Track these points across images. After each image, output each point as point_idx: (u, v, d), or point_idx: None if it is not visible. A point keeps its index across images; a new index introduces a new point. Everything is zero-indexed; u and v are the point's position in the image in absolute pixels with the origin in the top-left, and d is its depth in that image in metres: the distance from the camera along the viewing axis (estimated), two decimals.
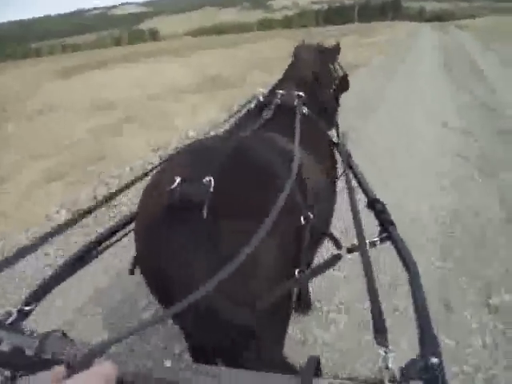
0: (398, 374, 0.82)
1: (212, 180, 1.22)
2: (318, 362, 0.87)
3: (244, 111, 2.36)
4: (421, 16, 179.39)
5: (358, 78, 12.02)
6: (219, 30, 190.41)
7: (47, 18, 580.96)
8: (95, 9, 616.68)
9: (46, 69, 25.70)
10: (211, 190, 1.21)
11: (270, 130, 1.89)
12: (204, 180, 1.23)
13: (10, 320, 1.12)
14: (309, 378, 0.79)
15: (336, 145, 2.47)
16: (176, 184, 1.23)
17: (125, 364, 0.86)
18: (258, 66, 16.11)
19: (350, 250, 1.53)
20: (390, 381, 0.80)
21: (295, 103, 2.21)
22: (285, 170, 1.42)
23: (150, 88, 13.23)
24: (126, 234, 1.73)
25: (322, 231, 1.67)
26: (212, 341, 1.37)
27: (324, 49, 3.02)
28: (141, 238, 1.40)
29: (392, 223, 1.62)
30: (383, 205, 1.77)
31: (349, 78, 3.07)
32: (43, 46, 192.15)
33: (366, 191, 1.96)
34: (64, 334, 1.01)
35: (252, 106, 2.34)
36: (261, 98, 2.35)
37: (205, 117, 8.67)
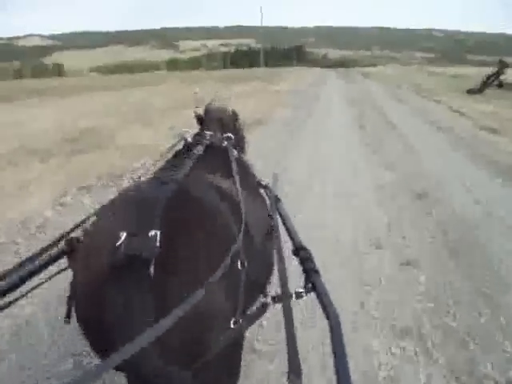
0: None
1: (158, 234, 1.18)
2: None
3: (171, 152, 2.34)
4: (324, 62, 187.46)
5: (255, 143, 9.72)
6: (128, 67, 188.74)
7: None
8: None
9: None
10: (157, 244, 1.17)
11: (202, 171, 1.87)
12: (150, 234, 1.18)
13: None
14: None
15: (265, 187, 2.43)
16: (122, 239, 1.17)
17: None
18: (143, 117, 14.03)
19: (274, 300, 1.61)
20: None
21: (224, 144, 2.29)
22: (229, 214, 1.50)
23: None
24: (46, 281, 1.68)
25: (256, 277, 1.62)
26: None
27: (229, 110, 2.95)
28: (84, 293, 1.29)
29: (316, 271, 1.60)
30: (309, 253, 1.73)
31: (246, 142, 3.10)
32: None
33: (292, 237, 1.93)
34: None
35: (180, 146, 2.33)
36: (189, 139, 2.33)
37: (26, 206, 5.89)
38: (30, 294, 1.65)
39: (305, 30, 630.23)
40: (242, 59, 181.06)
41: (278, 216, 2.11)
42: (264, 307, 1.59)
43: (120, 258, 1.13)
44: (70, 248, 1.58)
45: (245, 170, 2.27)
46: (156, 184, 1.53)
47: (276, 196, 2.32)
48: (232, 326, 1.35)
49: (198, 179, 1.72)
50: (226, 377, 1.52)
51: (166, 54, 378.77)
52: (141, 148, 9.15)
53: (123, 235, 1.17)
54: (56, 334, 3.20)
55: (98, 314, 1.17)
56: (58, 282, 1.80)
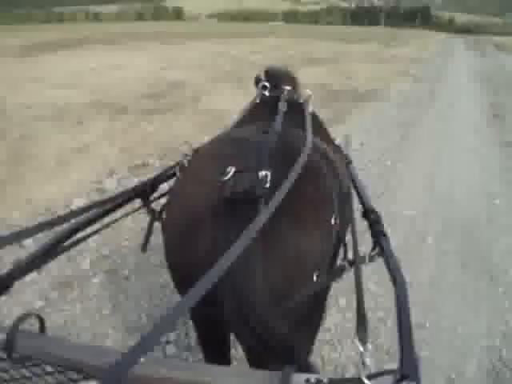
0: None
1: (269, 174, 1.18)
2: None
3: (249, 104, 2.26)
4: (450, 26, 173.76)
5: (361, 124, 8.10)
6: (244, 16, 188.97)
7: None
8: None
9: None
10: (267, 184, 1.16)
11: (290, 125, 1.77)
12: (260, 173, 1.18)
13: None
14: (289, 372, 0.81)
15: (337, 148, 2.28)
16: (230, 175, 1.18)
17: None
18: (237, 75, 12.37)
19: (350, 263, 1.53)
20: (366, 377, 0.81)
21: (302, 100, 2.20)
22: (327, 168, 1.47)
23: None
24: (103, 228, 1.62)
25: (341, 236, 1.59)
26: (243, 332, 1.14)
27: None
28: (183, 231, 1.27)
29: (384, 234, 1.56)
30: (378, 215, 1.69)
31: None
32: (65, 13, 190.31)
33: (362, 200, 1.89)
34: (40, 319, 0.96)
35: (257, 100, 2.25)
36: (266, 93, 2.25)
37: (57, 187, 4.78)
38: None
39: None
40: (362, 16, 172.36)
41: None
42: (342, 269, 1.51)
43: (228, 193, 1.13)
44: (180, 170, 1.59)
45: (323, 128, 2.27)
46: (253, 132, 1.58)
47: (347, 157, 2.29)
48: (315, 279, 1.30)
49: (293, 132, 1.66)
50: (309, 323, 1.62)
51: (286, 5, 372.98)
52: (221, 115, 7.70)
53: (231, 171, 1.18)
54: None
55: (191, 248, 1.20)
56: None
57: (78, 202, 4.38)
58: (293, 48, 22.80)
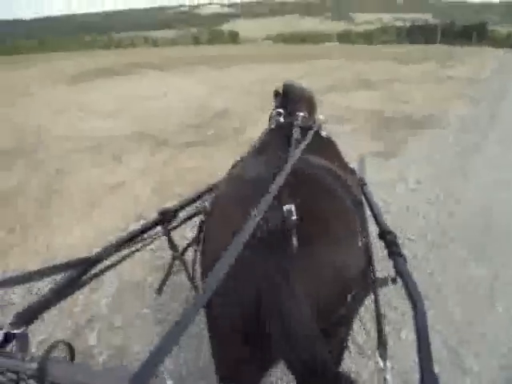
0: None
1: (293, 207, 1.22)
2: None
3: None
4: (508, 42, 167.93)
5: (417, 156, 7.15)
6: (299, 38, 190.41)
7: (131, 10, 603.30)
8: (181, 6, 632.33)
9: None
10: (294, 217, 1.20)
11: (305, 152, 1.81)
12: (285, 208, 1.23)
13: None
14: None
15: (351, 171, 2.30)
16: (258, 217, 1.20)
17: None
18: None
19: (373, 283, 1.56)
20: None
21: (314, 126, 2.22)
22: (346, 194, 1.51)
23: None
24: (127, 257, 1.64)
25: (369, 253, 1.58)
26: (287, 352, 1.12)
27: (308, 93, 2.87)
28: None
29: (401, 255, 1.57)
30: (395, 236, 1.70)
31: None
32: (124, 38, 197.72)
33: (378, 221, 1.91)
34: (70, 347, 1.03)
35: (272, 126, 2.31)
36: (281, 119, 2.33)
37: (61, 240, 4.38)
38: None
39: (487, 6, 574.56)
40: (417, 35, 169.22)
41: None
42: (368, 289, 1.49)
43: (265, 233, 1.18)
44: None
45: (335, 151, 2.24)
46: (269, 165, 1.60)
47: (362, 179, 2.33)
48: (350, 298, 1.31)
49: (307, 160, 1.66)
50: (341, 344, 1.60)
51: (340, 26, 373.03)
52: None
53: (254, 212, 1.19)
54: None
55: (248, 294, 1.19)
56: None
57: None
58: (346, 69, 22.29)
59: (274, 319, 1.10)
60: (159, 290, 1.82)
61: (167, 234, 1.86)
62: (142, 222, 4.59)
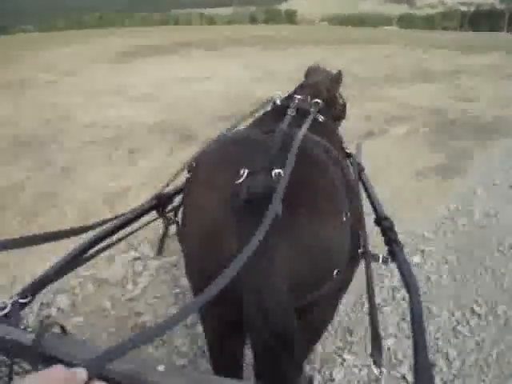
0: None
1: (281, 172, 1.18)
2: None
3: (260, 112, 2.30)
4: None
5: (487, 175, 5.64)
6: (357, 20, 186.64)
7: None
8: None
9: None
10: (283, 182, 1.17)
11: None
12: (273, 172, 1.18)
13: (3, 312, 1.06)
14: None
15: (349, 155, 2.34)
16: (244, 177, 1.18)
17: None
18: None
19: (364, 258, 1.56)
20: None
21: (311, 109, 2.15)
22: (334, 166, 1.44)
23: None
24: (137, 230, 1.75)
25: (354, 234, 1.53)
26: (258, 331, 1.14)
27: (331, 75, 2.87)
28: (206, 237, 1.27)
29: (398, 242, 1.57)
30: (391, 222, 1.70)
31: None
32: (181, 14, 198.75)
33: (375, 207, 1.91)
34: (62, 328, 1.00)
35: (269, 108, 2.32)
36: (278, 102, 2.32)
37: None
38: None
39: None
40: (482, 21, 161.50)
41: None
42: (353, 269, 1.51)
43: (245, 196, 1.13)
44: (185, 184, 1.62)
45: (332, 135, 2.18)
46: (258, 132, 1.55)
47: (359, 164, 2.28)
48: (335, 275, 1.29)
49: (297, 131, 1.56)
50: (324, 320, 1.59)
51: (400, 9, 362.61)
52: None
53: (244, 173, 1.17)
54: None
55: (217, 252, 1.19)
56: None
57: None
58: (404, 57, 20.68)
59: (249, 287, 1.07)
60: (159, 251, 1.88)
61: (164, 218, 1.85)
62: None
